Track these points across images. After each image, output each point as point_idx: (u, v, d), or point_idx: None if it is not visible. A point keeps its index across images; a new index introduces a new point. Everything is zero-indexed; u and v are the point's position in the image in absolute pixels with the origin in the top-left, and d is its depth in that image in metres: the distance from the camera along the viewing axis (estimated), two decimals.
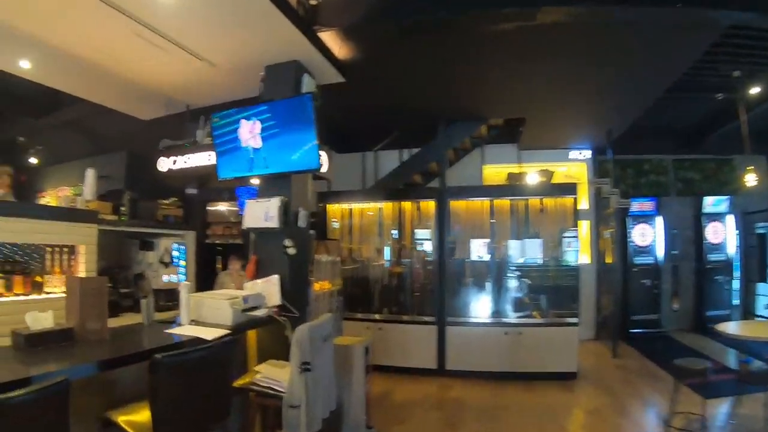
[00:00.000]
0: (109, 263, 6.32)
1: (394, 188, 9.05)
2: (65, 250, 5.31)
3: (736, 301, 11.27)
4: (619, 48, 6.01)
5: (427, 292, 8.20)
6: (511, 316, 7.77)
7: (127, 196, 6.58)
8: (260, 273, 5.32)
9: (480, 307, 8.02)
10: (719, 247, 11.25)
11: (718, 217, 11.31)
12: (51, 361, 2.93)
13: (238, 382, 3.89)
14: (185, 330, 3.88)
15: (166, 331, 3.86)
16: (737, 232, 11.44)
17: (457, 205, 8.24)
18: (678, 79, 7.12)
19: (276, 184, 5.51)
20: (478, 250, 8.25)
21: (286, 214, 5.29)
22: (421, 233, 8.53)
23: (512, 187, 8.85)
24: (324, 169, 6.09)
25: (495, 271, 8.11)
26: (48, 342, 3.23)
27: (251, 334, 4.77)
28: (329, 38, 5.64)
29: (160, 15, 4.84)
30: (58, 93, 7.29)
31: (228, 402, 3.23)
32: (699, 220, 11.34)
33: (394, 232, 8.71)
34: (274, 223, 5.21)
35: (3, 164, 6.27)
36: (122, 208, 6.45)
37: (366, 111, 8.80)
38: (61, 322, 3.54)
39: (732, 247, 11.33)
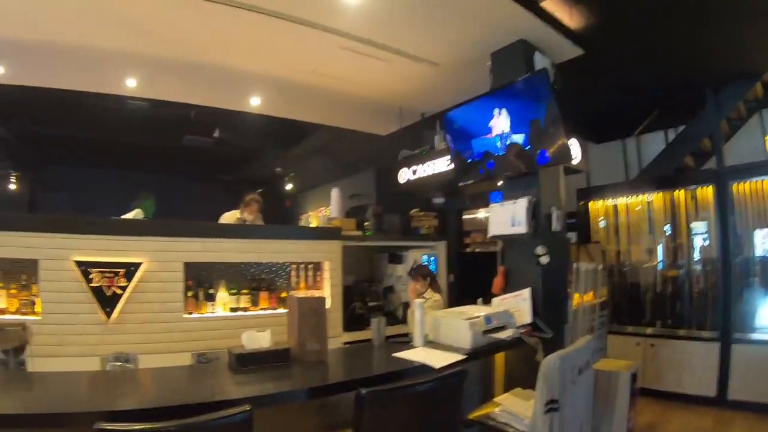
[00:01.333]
0: (360, 277, 6.44)
1: (662, 176, 7.56)
2: (310, 266, 5.49)
3: None
4: None
5: (706, 300, 6.68)
6: None
7: (370, 211, 6.52)
8: (509, 286, 4.75)
9: None
10: None
11: None
12: (253, 383, 2.85)
13: (475, 414, 3.35)
14: (415, 354, 3.46)
15: (394, 354, 3.46)
16: None
17: (738, 188, 6.56)
18: None
19: (521, 183, 4.86)
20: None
21: (536, 216, 4.63)
22: (698, 227, 7.04)
23: None
24: (577, 160, 5.36)
25: None
26: (261, 362, 3.11)
27: (498, 357, 4.23)
28: (554, 6, 4.79)
29: (366, 24, 4.76)
30: (302, 123, 7.58)
31: None
32: None
33: (666, 227, 7.44)
34: (522, 228, 4.58)
35: (253, 192, 6.56)
36: (366, 223, 6.38)
37: (617, 89, 7.55)
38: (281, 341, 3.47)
39: None
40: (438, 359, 3.23)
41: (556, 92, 4.35)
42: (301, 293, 5.40)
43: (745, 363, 5.99)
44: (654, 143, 8.73)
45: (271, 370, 3.02)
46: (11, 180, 11.73)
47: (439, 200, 7.91)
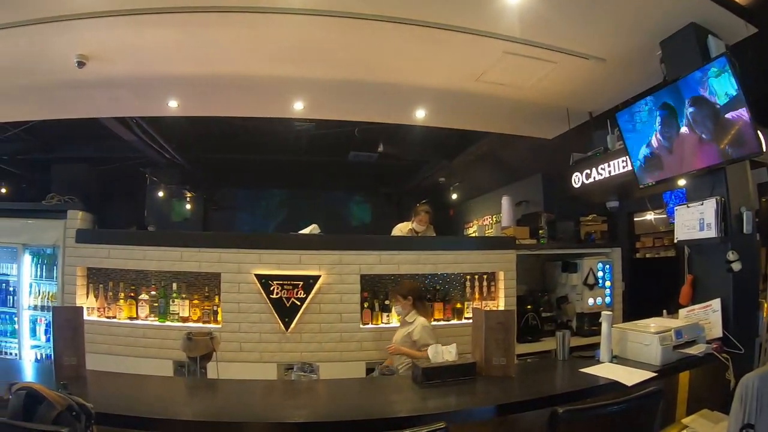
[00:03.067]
0: (532, 287, 6.30)
1: None
2: (485, 276, 5.52)
3: None
4: None
5: None
6: None
7: (543, 218, 6.47)
8: (697, 296, 4.36)
9: None
10: None
11: None
12: (439, 398, 2.85)
13: None
14: (603, 370, 3.27)
15: (581, 369, 3.30)
16: None
17: None
18: None
19: (706, 181, 4.43)
20: None
21: (726, 218, 4.19)
22: None
23: None
24: (765, 149, 4.87)
25: None
26: (446, 376, 3.07)
27: (682, 374, 3.86)
28: None
29: (528, 25, 4.57)
30: (465, 132, 7.55)
31: None
32: None
33: None
34: (712, 232, 4.18)
35: (424, 203, 6.66)
36: (540, 231, 6.29)
37: None
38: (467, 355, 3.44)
39: None
40: (628, 376, 3.04)
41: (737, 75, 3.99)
42: (477, 304, 5.41)
43: None
44: None
45: (456, 385, 2.99)
46: (187, 200, 12.68)
47: (613, 204, 7.48)
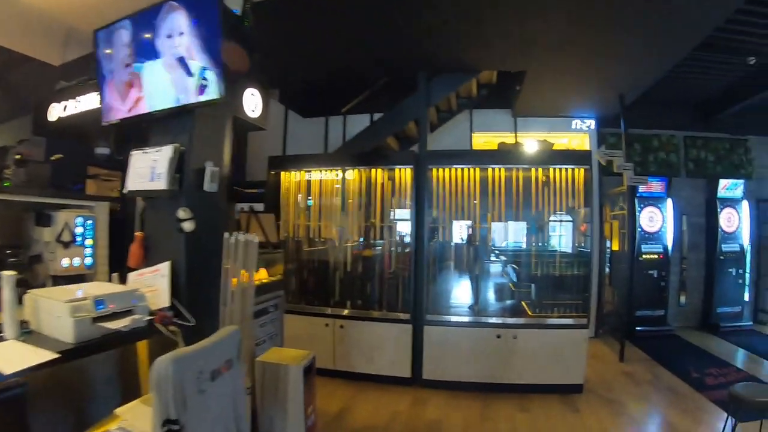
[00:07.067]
0: (7, 242, 4.94)
1: (362, 153, 7.30)
2: None
3: (748, 297, 10.32)
4: None
5: (401, 283, 6.74)
6: (502, 316, 6.54)
7: (13, 156, 5.10)
8: (151, 259, 3.64)
9: (466, 303, 6.75)
10: (733, 237, 10.18)
11: (732, 202, 10.20)
12: None
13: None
14: None
15: None
16: (750, 220, 10.43)
17: (440, 177, 6.69)
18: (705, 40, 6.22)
19: (172, 127, 3.73)
20: (463, 232, 6.92)
21: (182, 170, 3.54)
22: (396, 208, 7.04)
23: (508, 153, 7.24)
24: (255, 113, 4.42)
25: (484, 260, 6.82)
26: None
27: (142, 352, 3.25)
28: None
29: None
30: None
31: None
32: (713, 205, 10.22)
33: (363, 206, 7.14)
34: (161, 183, 3.48)
35: None
36: (6, 172, 5.01)
37: (328, 67, 7.34)
38: None
39: (747, 238, 10.36)
40: (16, 360, 2.25)
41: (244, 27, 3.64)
42: None
43: (438, 344, 6.31)
44: (361, 124, 8.95)
45: None
46: None
47: (103, 151, 6.29)
